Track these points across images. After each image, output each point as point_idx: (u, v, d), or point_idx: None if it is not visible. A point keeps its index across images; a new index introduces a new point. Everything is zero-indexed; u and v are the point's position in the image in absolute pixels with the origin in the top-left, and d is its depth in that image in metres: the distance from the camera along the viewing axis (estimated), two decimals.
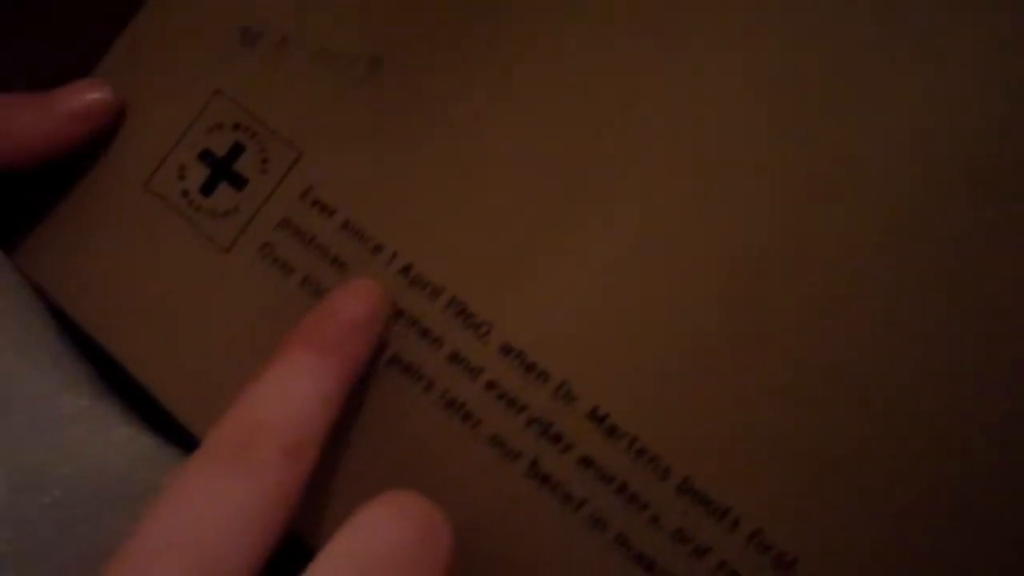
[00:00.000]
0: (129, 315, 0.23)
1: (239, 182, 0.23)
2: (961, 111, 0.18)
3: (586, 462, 0.19)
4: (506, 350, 0.20)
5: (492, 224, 0.21)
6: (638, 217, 0.20)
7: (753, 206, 0.19)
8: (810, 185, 0.19)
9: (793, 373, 0.18)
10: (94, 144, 0.24)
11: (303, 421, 0.18)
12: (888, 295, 0.18)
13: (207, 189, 0.23)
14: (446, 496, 0.20)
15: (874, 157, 0.19)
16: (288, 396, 0.18)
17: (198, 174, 0.23)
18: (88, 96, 0.23)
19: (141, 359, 0.23)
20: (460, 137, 0.21)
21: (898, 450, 0.18)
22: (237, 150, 0.23)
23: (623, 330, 0.20)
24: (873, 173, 0.19)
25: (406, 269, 0.21)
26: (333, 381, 0.19)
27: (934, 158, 0.18)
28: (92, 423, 0.21)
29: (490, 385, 0.20)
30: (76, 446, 0.20)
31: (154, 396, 0.22)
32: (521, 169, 0.21)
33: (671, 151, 0.20)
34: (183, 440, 0.22)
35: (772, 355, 0.19)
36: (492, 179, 0.21)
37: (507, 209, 0.21)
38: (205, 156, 0.23)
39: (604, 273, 0.20)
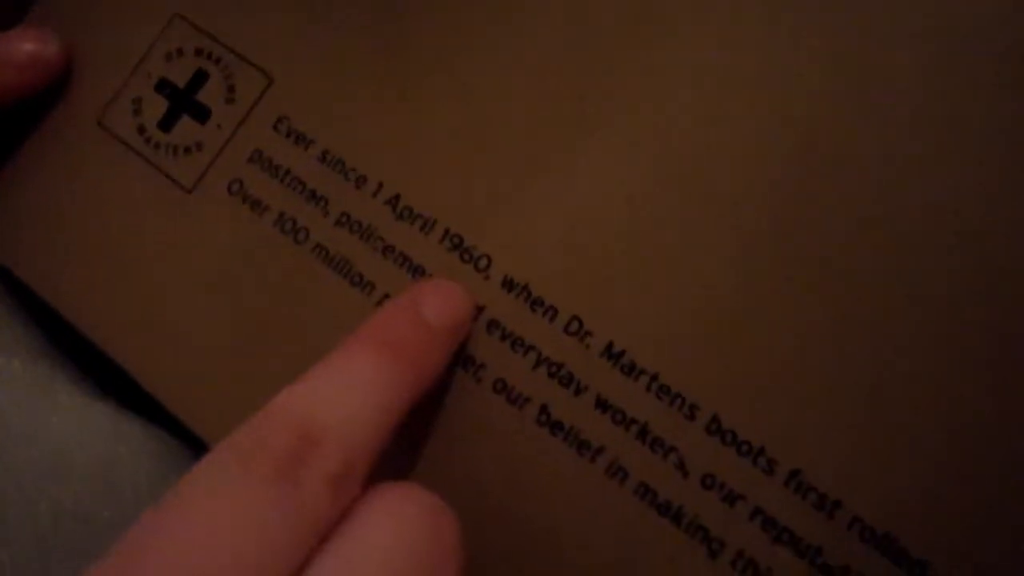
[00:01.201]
0: (83, 271, 0.21)
1: (202, 114, 0.20)
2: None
3: (602, 404, 0.17)
4: (509, 285, 0.18)
5: (485, 147, 0.19)
6: (645, 136, 0.18)
7: (768, 127, 0.18)
8: (832, 98, 0.17)
9: (828, 300, 0.17)
10: (42, 93, 0.21)
11: (361, 439, 0.15)
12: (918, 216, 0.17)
13: (166, 124, 0.21)
14: (450, 449, 0.18)
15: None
16: (350, 404, 0.15)
17: (156, 107, 0.21)
18: (28, 46, 0.21)
19: (97, 319, 0.20)
20: (449, 55, 0.19)
21: (941, 376, 0.16)
22: (199, 78, 0.20)
23: (636, 258, 0.18)
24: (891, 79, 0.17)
25: (394, 201, 0.19)
26: (405, 393, 0.16)
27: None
28: (27, 387, 0.19)
29: (492, 324, 0.18)
30: (3, 413, 0.18)
31: (114, 360, 0.20)
32: (517, 87, 0.19)
33: (679, 74, 0.18)
34: (153, 411, 0.20)
35: (801, 280, 0.17)
36: (485, 98, 0.19)
37: (502, 130, 0.19)
38: (163, 86, 0.21)
39: (611, 198, 0.18)
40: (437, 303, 0.17)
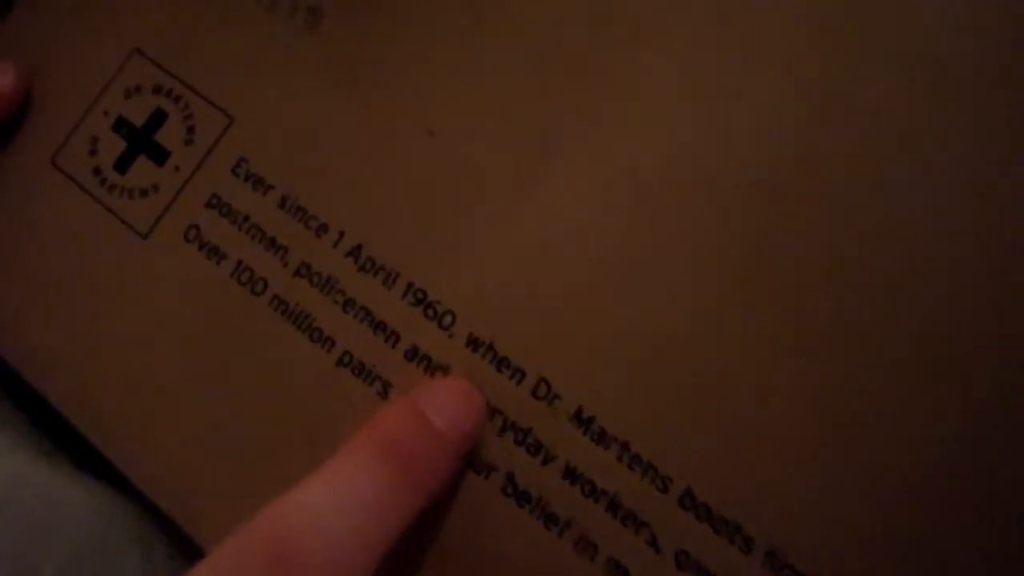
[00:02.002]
0: (32, 317, 0.20)
1: (160, 155, 0.19)
2: None
3: (571, 474, 0.16)
4: (474, 344, 0.17)
5: (450, 197, 0.18)
6: (609, 186, 0.17)
7: (732, 168, 0.17)
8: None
9: (811, 369, 0.16)
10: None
11: (346, 565, 0.14)
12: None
13: (122, 165, 0.20)
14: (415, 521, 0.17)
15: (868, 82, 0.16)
16: (342, 525, 0.14)
17: (112, 147, 0.20)
18: None
19: (45, 366, 0.19)
20: (414, 100, 0.18)
21: (914, 437, 0.15)
22: (158, 118, 0.20)
23: (604, 317, 0.17)
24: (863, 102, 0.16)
25: (355, 251, 0.18)
26: (406, 512, 0.15)
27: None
28: None
29: None
30: None
31: (57, 409, 0.19)
32: (481, 132, 0.18)
33: (639, 119, 0.17)
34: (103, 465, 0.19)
35: (766, 340, 0.16)
36: (449, 145, 0.18)
37: (466, 180, 0.18)
38: (121, 126, 0.20)
39: (576, 253, 0.17)
40: (449, 407, 0.16)
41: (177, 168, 0.19)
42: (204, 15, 0.20)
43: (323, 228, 0.18)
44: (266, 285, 0.18)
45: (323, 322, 0.18)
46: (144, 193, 0.19)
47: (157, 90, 0.20)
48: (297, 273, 0.18)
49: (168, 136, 0.19)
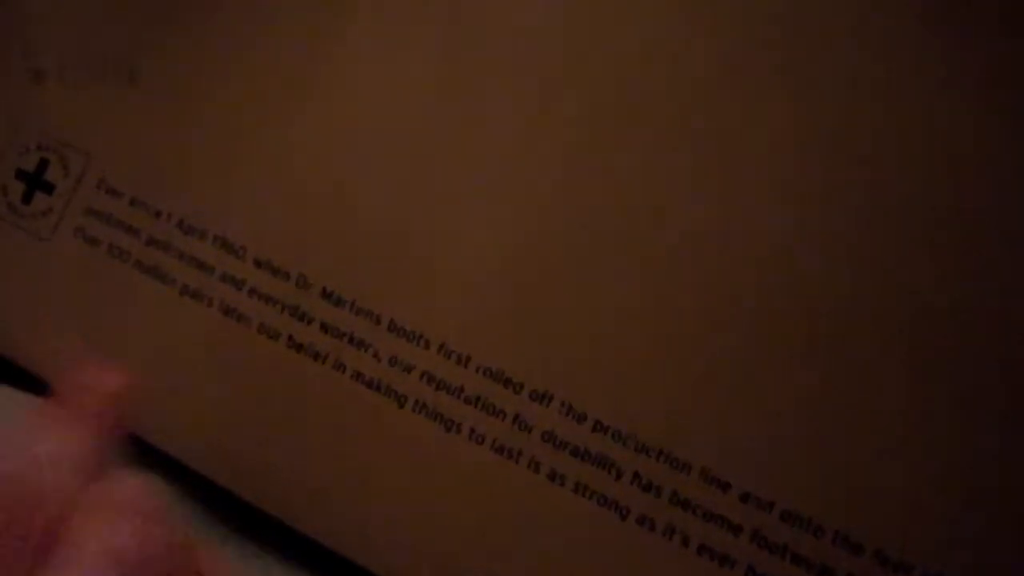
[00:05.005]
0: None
1: (49, 188, 0.29)
2: None
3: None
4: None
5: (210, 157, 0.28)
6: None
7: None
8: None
9: None
10: None
11: None
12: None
13: (26, 199, 0.30)
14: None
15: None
16: None
17: (17, 190, 0.30)
18: None
19: None
20: (218, 123, 0.29)
21: None
22: (44, 164, 0.30)
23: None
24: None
25: (181, 223, 0.28)
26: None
27: None
28: None
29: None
30: None
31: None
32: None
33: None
34: None
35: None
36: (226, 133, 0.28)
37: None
38: (20, 175, 0.30)
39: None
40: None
41: (62, 194, 0.29)
42: (60, 91, 0.30)
43: (158, 213, 0.28)
44: (129, 255, 0.28)
45: (175, 271, 0.28)
46: (44, 214, 0.29)
47: (39, 147, 0.30)
48: (147, 243, 0.28)
49: (52, 175, 0.29)
